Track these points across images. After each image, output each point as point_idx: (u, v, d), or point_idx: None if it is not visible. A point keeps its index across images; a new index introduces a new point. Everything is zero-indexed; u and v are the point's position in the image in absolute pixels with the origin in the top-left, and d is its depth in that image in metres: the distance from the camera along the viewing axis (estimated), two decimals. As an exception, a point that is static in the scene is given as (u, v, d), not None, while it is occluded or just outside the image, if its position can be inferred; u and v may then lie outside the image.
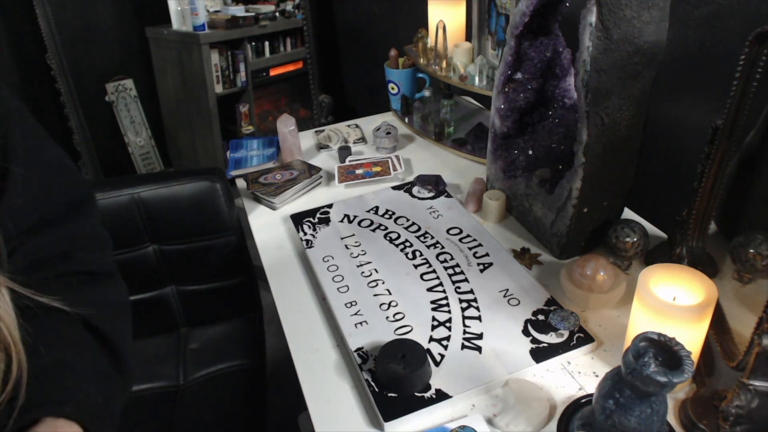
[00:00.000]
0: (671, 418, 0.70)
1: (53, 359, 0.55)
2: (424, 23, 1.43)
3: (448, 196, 1.17)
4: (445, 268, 0.96)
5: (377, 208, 1.14)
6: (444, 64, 1.33)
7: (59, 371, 0.56)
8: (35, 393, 0.52)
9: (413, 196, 1.17)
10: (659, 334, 0.58)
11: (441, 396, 0.73)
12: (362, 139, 1.45)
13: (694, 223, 0.83)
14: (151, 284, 1.25)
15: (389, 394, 0.73)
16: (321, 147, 1.43)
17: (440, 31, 1.32)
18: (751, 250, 0.73)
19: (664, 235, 1.02)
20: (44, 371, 0.53)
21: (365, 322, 0.85)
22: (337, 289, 0.92)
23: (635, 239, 0.90)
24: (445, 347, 0.80)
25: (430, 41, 1.39)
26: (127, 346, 0.66)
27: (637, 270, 0.80)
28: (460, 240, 1.03)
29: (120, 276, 0.71)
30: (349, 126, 1.53)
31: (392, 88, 1.52)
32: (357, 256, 1.00)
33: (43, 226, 0.60)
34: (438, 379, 0.75)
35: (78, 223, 0.65)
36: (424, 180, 1.19)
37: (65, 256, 0.62)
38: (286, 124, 1.32)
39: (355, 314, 0.87)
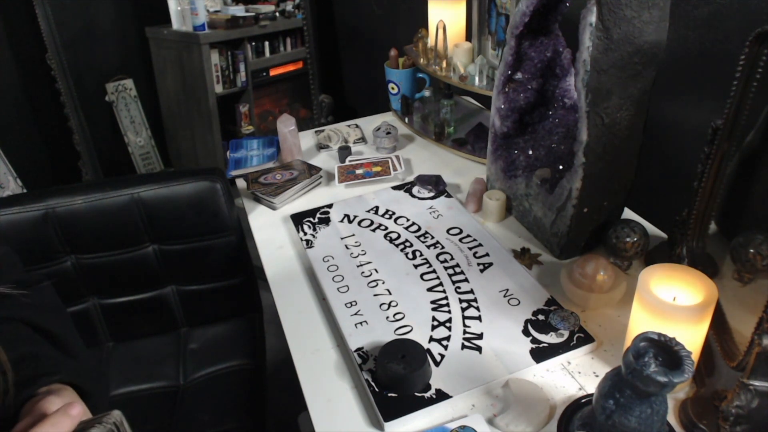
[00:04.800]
0: (671, 418, 0.70)
1: (23, 353, 0.57)
2: (424, 23, 1.43)
3: (448, 196, 1.17)
4: (445, 268, 0.96)
5: (377, 208, 1.14)
6: (444, 64, 1.33)
7: (35, 358, 0.58)
8: (23, 375, 0.54)
9: (413, 196, 1.17)
10: (659, 334, 0.58)
11: (441, 396, 0.73)
12: (362, 139, 1.45)
13: (694, 223, 0.83)
14: (151, 284, 1.25)
15: (389, 394, 0.73)
16: (321, 147, 1.43)
17: (440, 31, 1.32)
18: (751, 250, 0.73)
19: (664, 235, 1.02)
20: (21, 361, 0.55)
21: (365, 322, 0.85)
22: (337, 289, 0.92)
23: (635, 239, 0.90)
24: (445, 347, 0.80)
25: (430, 41, 1.39)
26: (75, 343, 0.67)
27: (637, 270, 0.80)
28: (460, 240, 1.03)
29: (48, 283, 0.72)
30: (349, 126, 1.53)
31: (392, 88, 1.52)
32: (357, 256, 1.00)
33: None
34: (438, 379, 0.75)
35: None
36: (424, 180, 1.19)
37: None
38: (286, 124, 1.32)
39: (355, 314, 0.87)
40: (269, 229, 1.13)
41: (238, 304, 1.32)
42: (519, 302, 0.87)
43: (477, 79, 1.27)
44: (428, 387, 0.74)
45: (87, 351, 0.69)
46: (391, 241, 1.04)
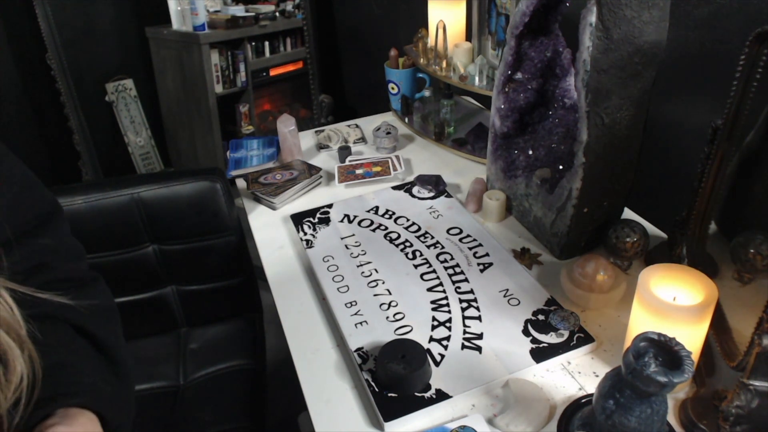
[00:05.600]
0: (671, 418, 0.70)
1: (53, 362, 0.55)
2: (424, 23, 1.43)
3: (448, 196, 1.17)
4: (445, 268, 0.96)
5: (377, 208, 1.14)
6: (444, 64, 1.33)
7: (62, 370, 0.56)
8: (43, 390, 0.52)
9: (413, 196, 1.17)
10: (659, 334, 0.58)
11: (441, 396, 0.73)
12: (362, 139, 1.45)
13: (694, 223, 0.83)
14: (151, 284, 1.25)
15: (389, 394, 0.73)
16: (321, 147, 1.43)
17: (440, 31, 1.32)
18: (751, 250, 0.73)
19: (664, 235, 1.02)
20: (48, 372, 0.54)
21: (365, 322, 0.85)
22: (337, 289, 0.92)
23: (635, 239, 0.90)
24: (445, 347, 0.80)
25: (430, 41, 1.39)
26: (120, 348, 0.66)
27: (637, 270, 0.80)
28: (460, 240, 1.03)
29: (103, 281, 0.71)
30: (349, 126, 1.53)
31: (392, 88, 1.52)
32: (357, 256, 1.00)
33: (14, 242, 0.59)
34: (438, 379, 0.75)
35: (48, 236, 0.65)
36: (424, 180, 1.19)
37: (42, 267, 0.62)
38: (286, 124, 1.32)
39: (355, 314, 0.87)
40: (269, 229, 1.13)
41: (238, 304, 1.32)
42: (519, 302, 0.87)
43: (477, 79, 1.27)
44: (428, 387, 0.74)
45: (129, 357, 0.68)
46: (391, 241, 1.04)
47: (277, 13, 2.84)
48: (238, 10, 2.76)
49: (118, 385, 0.62)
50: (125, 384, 0.65)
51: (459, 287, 0.91)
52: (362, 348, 0.81)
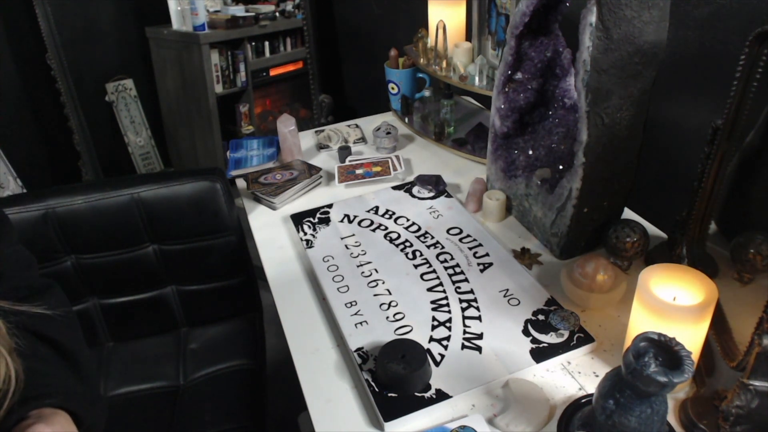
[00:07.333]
0: (671, 418, 0.70)
1: (21, 368, 0.55)
2: (424, 23, 1.43)
3: (448, 196, 1.17)
4: (445, 268, 0.96)
5: (377, 208, 1.14)
6: (444, 64, 1.33)
7: (32, 376, 0.56)
8: (15, 395, 0.53)
9: (413, 196, 1.17)
10: (659, 334, 0.58)
11: (441, 396, 0.73)
12: (362, 139, 1.45)
13: (694, 223, 0.83)
14: (151, 284, 1.25)
15: (389, 394, 0.73)
16: (321, 147, 1.43)
17: (440, 31, 1.32)
18: (751, 250, 0.73)
19: (664, 235, 1.02)
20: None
21: (365, 322, 0.85)
22: (337, 289, 0.92)
23: (635, 239, 0.90)
24: (445, 347, 0.80)
25: (430, 41, 1.39)
26: (82, 353, 0.66)
27: (637, 270, 0.80)
28: (460, 240, 1.03)
29: (58, 287, 0.71)
30: (349, 126, 1.53)
31: (392, 88, 1.52)
32: (357, 256, 1.00)
33: None
34: (438, 379, 0.75)
35: (1, 247, 0.65)
36: (424, 180, 1.19)
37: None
38: (286, 124, 1.32)
39: (355, 314, 0.87)
40: (269, 229, 1.13)
41: (238, 304, 1.32)
42: (519, 302, 0.87)
43: (477, 79, 1.27)
44: (428, 387, 0.74)
45: (91, 360, 0.68)
46: (391, 241, 1.04)
47: (277, 13, 2.84)
48: (238, 10, 2.76)
49: (84, 388, 0.62)
50: (91, 387, 0.65)
51: (459, 287, 0.91)
52: (362, 348, 0.81)
